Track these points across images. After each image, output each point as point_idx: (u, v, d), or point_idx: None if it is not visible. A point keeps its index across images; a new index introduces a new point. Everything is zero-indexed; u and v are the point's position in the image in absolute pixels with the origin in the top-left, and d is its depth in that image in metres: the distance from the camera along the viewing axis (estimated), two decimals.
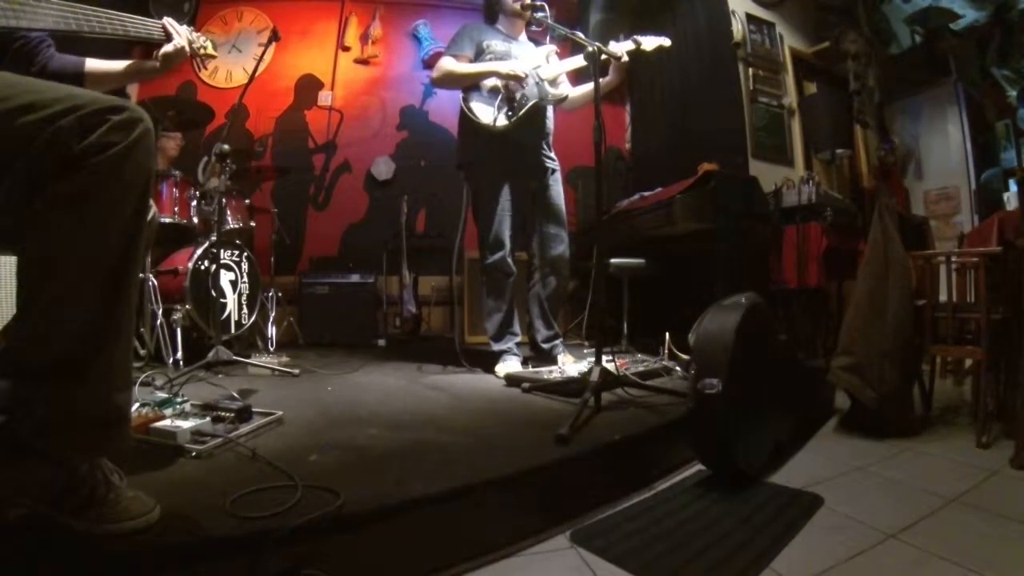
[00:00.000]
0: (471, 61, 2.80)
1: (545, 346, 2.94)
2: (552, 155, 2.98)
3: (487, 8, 3.00)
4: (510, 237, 2.84)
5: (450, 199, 4.89)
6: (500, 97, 2.72)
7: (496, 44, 2.83)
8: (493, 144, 2.76)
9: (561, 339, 3.03)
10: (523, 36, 2.97)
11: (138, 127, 0.94)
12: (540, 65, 2.80)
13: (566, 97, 2.89)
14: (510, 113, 2.70)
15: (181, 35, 1.66)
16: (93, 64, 1.61)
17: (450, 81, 2.83)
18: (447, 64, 2.79)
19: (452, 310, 4.78)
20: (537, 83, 2.76)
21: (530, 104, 2.72)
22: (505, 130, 2.70)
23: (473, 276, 4.11)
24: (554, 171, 2.97)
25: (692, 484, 1.69)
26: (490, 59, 2.79)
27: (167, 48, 1.64)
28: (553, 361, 2.86)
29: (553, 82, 2.85)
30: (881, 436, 2.18)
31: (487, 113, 2.71)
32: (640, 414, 1.98)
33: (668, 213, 3.32)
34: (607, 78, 2.62)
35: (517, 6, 2.81)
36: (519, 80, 2.70)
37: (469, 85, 2.76)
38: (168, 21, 1.64)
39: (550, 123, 2.96)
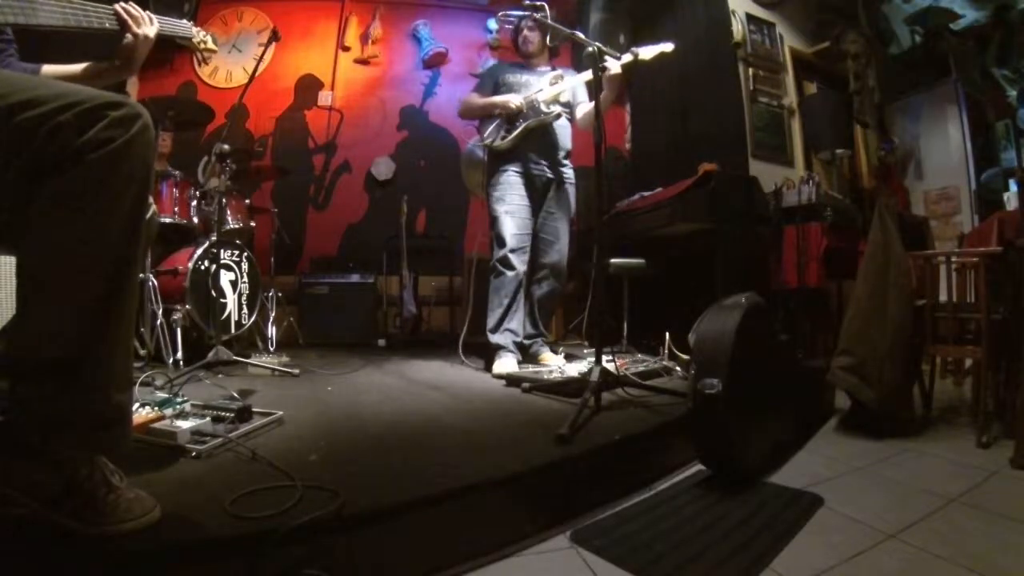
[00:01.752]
0: (491, 95, 3.08)
1: (526, 342, 3.06)
2: (566, 170, 3.15)
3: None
4: (514, 236, 2.94)
5: (450, 199, 4.91)
6: (499, 121, 3.03)
7: (509, 77, 3.12)
8: (500, 157, 3.03)
9: (543, 338, 3.17)
10: (542, 68, 3.17)
11: (137, 122, 0.93)
12: (541, 89, 2.99)
13: (558, 115, 3.04)
14: (504, 135, 3.00)
15: (141, 22, 1.49)
16: (48, 69, 1.54)
17: (467, 114, 3.27)
18: (469, 99, 3.20)
19: (452, 310, 4.78)
20: (534, 106, 2.96)
21: (522, 126, 2.95)
22: (501, 148, 2.99)
23: (473, 276, 4.12)
24: (561, 183, 3.11)
25: (692, 484, 1.69)
26: (504, 91, 3.08)
27: (125, 41, 1.47)
28: (533, 358, 3.01)
29: (552, 103, 3.00)
30: (881, 436, 2.18)
31: (490, 133, 3.03)
32: (640, 414, 1.98)
33: (668, 213, 3.32)
34: (602, 93, 2.60)
35: (525, 48, 3.15)
36: (512, 112, 2.97)
37: (481, 116, 3.12)
38: (121, 6, 1.47)
39: (558, 139, 3.08)
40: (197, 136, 4.36)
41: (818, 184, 3.45)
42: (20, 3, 1.18)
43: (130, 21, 1.47)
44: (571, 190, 3.16)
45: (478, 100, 3.13)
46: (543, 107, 2.96)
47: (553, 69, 3.11)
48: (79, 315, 0.91)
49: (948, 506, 1.54)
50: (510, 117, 3.00)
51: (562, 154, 3.11)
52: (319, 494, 1.13)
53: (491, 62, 3.49)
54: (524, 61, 3.22)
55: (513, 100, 2.96)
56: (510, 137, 2.98)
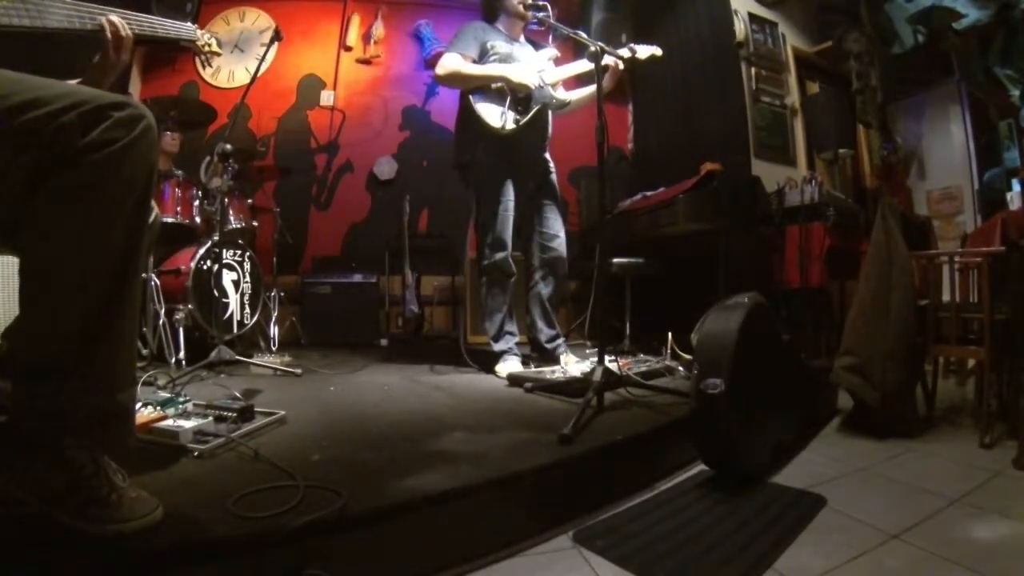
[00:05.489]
0: (475, 61, 2.77)
1: (548, 346, 2.94)
2: (549, 157, 3.02)
3: (486, 7, 2.97)
4: (512, 240, 2.84)
5: (453, 199, 4.90)
6: (508, 100, 2.70)
7: (500, 45, 2.80)
8: (496, 145, 2.75)
9: (564, 339, 3.03)
10: (522, 38, 2.97)
11: (140, 124, 0.94)
12: (544, 68, 2.80)
13: (569, 103, 2.91)
14: (517, 117, 2.70)
15: (123, 44, 1.32)
16: None
17: (457, 81, 2.78)
18: (454, 63, 2.72)
19: (455, 310, 4.78)
20: (541, 87, 2.76)
21: (536, 108, 2.73)
22: (512, 133, 2.69)
23: (476, 276, 4.12)
24: (552, 172, 3.00)
25: (695, 484, 1.69)
26: (494, 60, 2.76)
27: (96, 59, 1.31)
28: (556, 361, 2.86)
29: (554, 87, 2.85)
30: (883, 436, 2.17)
31: (494, 114, 2.69)
32: (643, 414, 1.98)
33: (670, 213, 3.32)
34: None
35: (520, 7, 2.79)
36: (528, 90, 2.69)
37: (474, 87, 2.74)
38: (114, 20, 1.31)
39: (548, 124, 2.97)
40: (200, 136, 4.36)
41: (820, 184, 3.45)
42: (25, 5, 1.18)
43: (112, 41, 1.30)
44: (555, 179, 3.01)
45: (471, 67, 2.72)
46: (551, 89, 2.79)
47: (535, 44, 2.96)
48: (82, 314, 0.91)
49: (951, 507, 1.53)
50: (519, 96, 2.69)
51: (548, 141, 2.98)
52: (321, 494, 1.13)
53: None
54: (503, 25, 2.90)
55: (527, 76, 2.66)
56: (525, 119, 2.69)
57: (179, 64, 4.75)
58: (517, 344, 2.94)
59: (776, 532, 1.35)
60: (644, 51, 2.68)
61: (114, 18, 1.31)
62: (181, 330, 2.93)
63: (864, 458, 1.96)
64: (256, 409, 1.70)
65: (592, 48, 2.27)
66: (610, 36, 4.43)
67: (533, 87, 2.69)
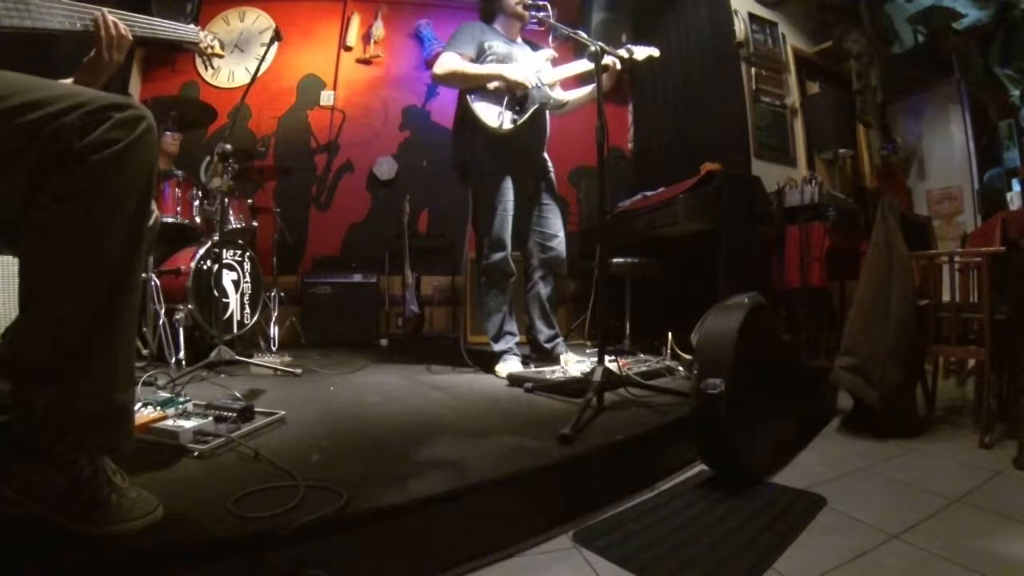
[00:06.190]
0: (472, 60, 2.78)
1: (548, 345, 2.95)
2: (547, 157, 3.02)
3: (484, 8, 2.98)
4: (511, 240, 2.84)
5: (453, 199, 4.90)
6: (505, 100, 2.71)
7: (498, 45, 2.81)
8: (495, 144, 2.75)
9: (562, 338, 3.04)
10: (520, 38, 2.98)
11: (141, 124, 0.93)
12: (541, 69, 2.81)
13: (567, 103, 2.91)
14: (515, 117, 2.70)
15: (121, 43, 1.32)
16: None
17: (455, 80, 2.77)
18: (452, 62, 2.73)
19: (454, 310, 4.78)
20: (539, 87, 2.76)
21: (534, 108, 2.73)
22: (510, 133, 2.69)
23: (476, 276, 4.12)
24: (550, 171, 3.01)
25: (695, 484, 1.69)
26: (492, 60, 2.77)
27: (89, 57, 1.30)
28: (555, 360, 2.86)
29: (552, 87, 2.86)
30: (884, 436, 2.17)
31: (491, 114, 2.70)
32: (643, 414, 1.98)
33: (670, 213, 3.32)
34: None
35: (519, 8, 2.81)
36: (525, 89, 2.69)
37: (472, 87, 2.74)
38: (108, 17, 1.29)
39: (547, 124, 2.98)
40: (200, 136, 4.36)
41: (820, 184, 3.45)
42: (27, 5, 1.17)
43: (106, 38, 1.30)
44: (554, 178, 3.02)
45: (469, 66, 2.73)
46: (549, 89, 2.80)
47: (532, 45, 2.97)
48: (81, 315, 0.91)
49: (951, 507, 1.53)
50: (517, 96, 2.70)
51: (547, 141, 2.99)
52: (321, 494, 1.14)
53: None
54: (501, 26, 2.92)
55: (524, 75, 2.67)
56: (523, 119, 2.69)
57: (179, 64, 4.75)
58: (517, 344, 2.94)
59: (776, 532, 1.35)
60: (641, 52, 2.69)
61: (109, 16, 1.31)
62: (181, 330, 2.93)
63: (864, 458, 1.96)
64: (256, 409, 1.70)
65: (592, 48, 2.27)
66: (610, 36, 4.43)
67: (530, 86, 2.69)
